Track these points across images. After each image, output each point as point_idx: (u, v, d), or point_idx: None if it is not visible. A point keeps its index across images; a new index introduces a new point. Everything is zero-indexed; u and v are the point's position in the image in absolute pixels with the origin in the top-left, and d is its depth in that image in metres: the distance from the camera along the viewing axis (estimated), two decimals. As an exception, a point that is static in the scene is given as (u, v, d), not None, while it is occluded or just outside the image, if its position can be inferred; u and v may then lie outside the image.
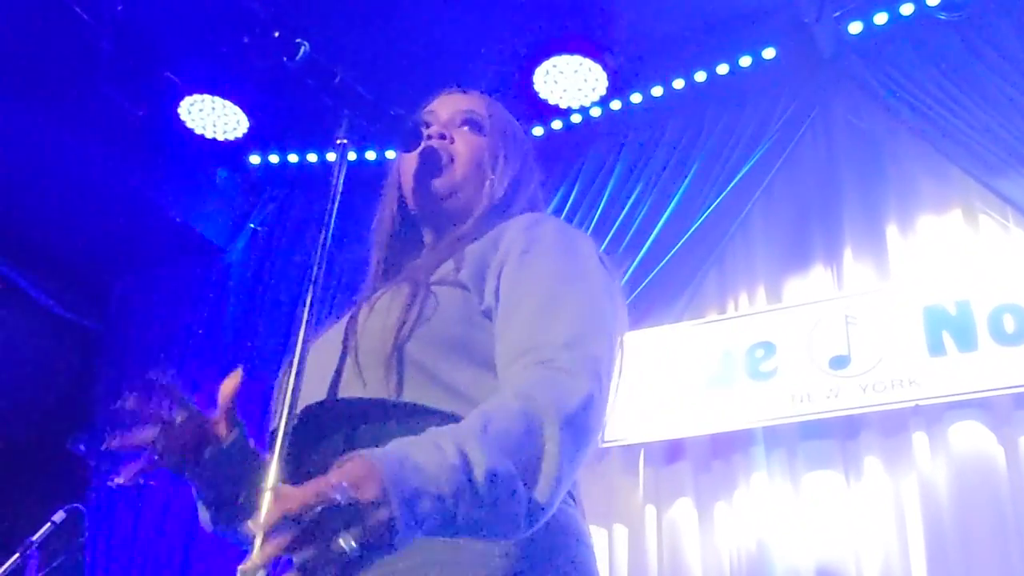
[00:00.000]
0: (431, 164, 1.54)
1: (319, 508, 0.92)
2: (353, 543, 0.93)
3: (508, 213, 1.52)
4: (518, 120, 1.70)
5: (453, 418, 1.14)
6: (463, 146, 1.58)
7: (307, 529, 0.92)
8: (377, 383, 1.26)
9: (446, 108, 1.62)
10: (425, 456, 0.99)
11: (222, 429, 1.30)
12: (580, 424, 1.12)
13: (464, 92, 1.66)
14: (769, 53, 4.24)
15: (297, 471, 1.20)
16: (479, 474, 1.00)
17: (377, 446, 1.02)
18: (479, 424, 1.06)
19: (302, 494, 0.92)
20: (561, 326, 1.23)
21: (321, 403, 1.31)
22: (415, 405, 1.24)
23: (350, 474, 0.94)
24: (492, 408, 1.10)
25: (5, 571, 3.36)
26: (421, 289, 1.32)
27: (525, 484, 1.04)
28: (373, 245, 1.62)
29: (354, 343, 1.31)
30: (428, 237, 1.59)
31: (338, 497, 0.92)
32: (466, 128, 1.60)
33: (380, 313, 1.32)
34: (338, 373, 1.32)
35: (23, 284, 4.99)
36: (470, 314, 1.32)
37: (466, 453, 1.00)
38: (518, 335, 1.25)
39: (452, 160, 1.56)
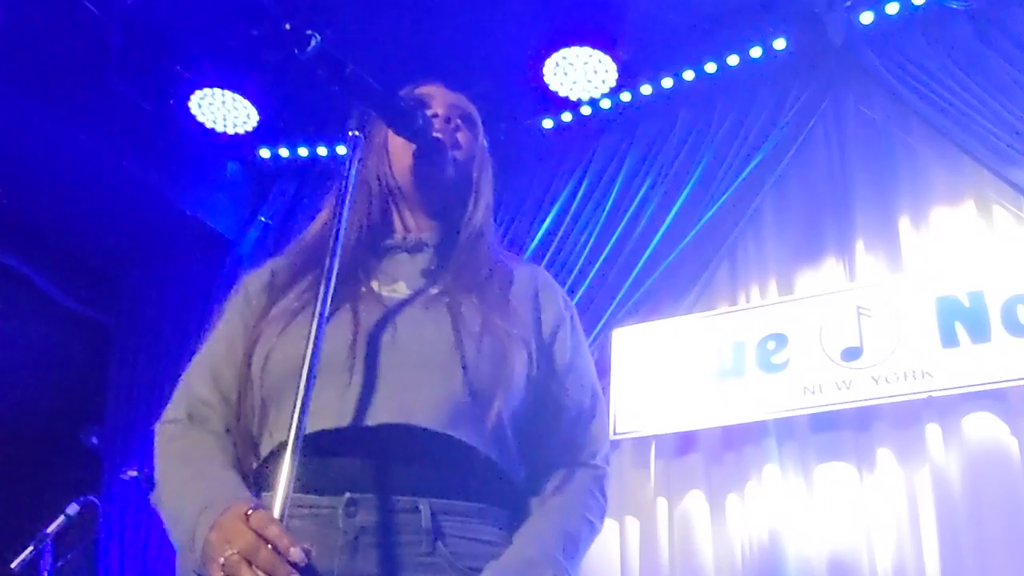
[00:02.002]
0: (439, 151, 1.54)
1: None
2: None
3: (488, 236, 1.59)
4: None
5: (508, 483, 1.40)
6: (464, 138, 1.60)
7: None
8: (491, 430, 1.36)
9: (444, 97, 1.62)
10: None
11: None
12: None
13: (452, 90, 1.65)
14: (780, 43, 4.22)
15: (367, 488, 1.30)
16: None
17: (470, 493, 1.34)
18: (562, 546, 1.36)
19: None
20: (601, 434, 1.54)
21: (419, 430, 1.32)
22: (493, 461, 1.38)
23: None
24: (570, 525, 1.40)
25: (20, 563, 3.38)
26: (520, 346, 1.43)
27: None
28: (344, 224, 1.43)
29: (463, 376, 1.35)
30: (412, 221, 1.57)
31: None
32: (462, 122, 1.61)
33: (488, 359, 1.38)
34: (426, 398, 1.34)
35: (35, 278, 5.00)
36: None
37: None
38: (572, 428, 1.50)
39: (456, 147, 1.57)
